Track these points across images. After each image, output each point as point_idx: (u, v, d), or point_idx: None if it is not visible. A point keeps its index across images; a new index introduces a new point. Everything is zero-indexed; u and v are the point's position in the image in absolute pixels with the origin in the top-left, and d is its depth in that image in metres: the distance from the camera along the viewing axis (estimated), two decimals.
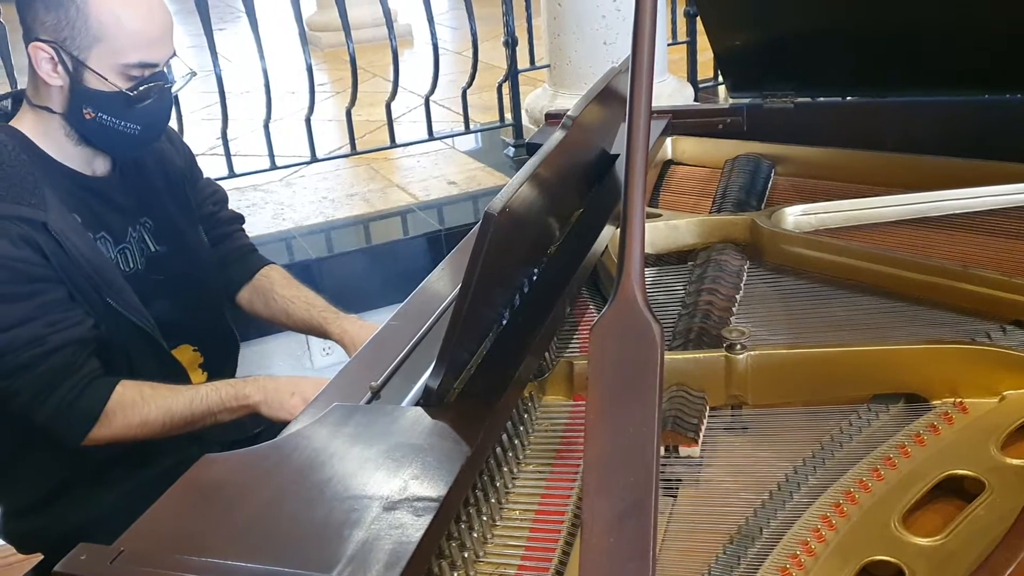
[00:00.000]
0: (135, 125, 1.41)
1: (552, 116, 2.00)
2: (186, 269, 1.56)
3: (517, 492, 0.94)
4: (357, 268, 2.54)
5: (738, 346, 1.05)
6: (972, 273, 1.20)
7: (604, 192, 1.51)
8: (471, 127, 3.17)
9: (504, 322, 1.12)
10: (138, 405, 1.36)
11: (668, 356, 1.07)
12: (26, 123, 1.43)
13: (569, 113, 1.15)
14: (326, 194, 2.93)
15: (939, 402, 1.02)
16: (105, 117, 1.39)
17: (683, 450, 0.99)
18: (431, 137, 3.06)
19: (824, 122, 1.80)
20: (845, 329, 1.21)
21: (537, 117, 3.07)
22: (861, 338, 1.18)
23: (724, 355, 1.05)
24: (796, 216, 1.47)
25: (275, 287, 1.70)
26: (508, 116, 3.13)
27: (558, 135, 1.10)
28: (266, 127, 2.80)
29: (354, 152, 2.95)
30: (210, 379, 1.60)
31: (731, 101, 1.88)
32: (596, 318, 0.69)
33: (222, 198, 1.75)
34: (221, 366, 1.64)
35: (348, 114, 2.89)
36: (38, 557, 1.59)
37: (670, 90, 3.02)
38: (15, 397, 1.33)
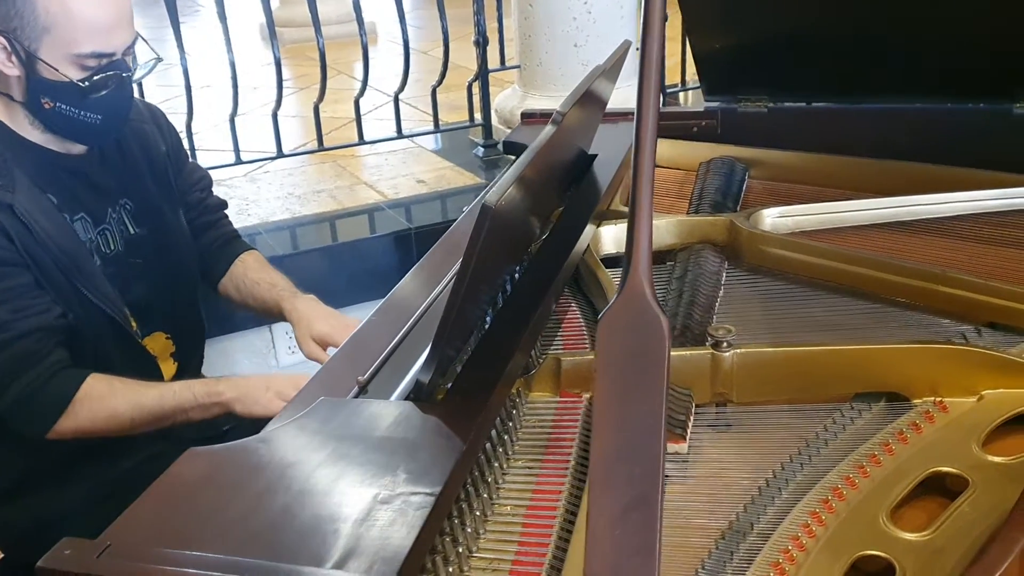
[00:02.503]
0: (95, 115, 1.38)
1: (528, 115, 2.00)
2: (164, 252, 1.53)
3: (508, 488, 0.93)
4: (325, 265, 2.51)
5: (724, 344, 1.06)
6: (949, 276, 1.23)
7: (584, 192, 1.52)
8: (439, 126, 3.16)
9: (488, 320, 1.12)
10: (106, 397, 1.32)
11: None
12: None
13: (559, 109, 1.15)
14: (292, 190, 2.90)
15: (920, 401, 1.04)
16: (64, 107, 1.36)
17: (670, 447, 0.99)
18: (400, 135, 3.04)
19: (797, 127, 1.83)
20: (824, 329, 1.23)
21: (507, 117, 3.07)
22: (839, 338, 1.19)
23: (711, 352, 1.06)
24: (773, 218, 1.48)
25: (247, 271, 1.68)
26: (478, 116, 3.12)
27: (548, 130, 1.09)
28: (232, 121, 2.76)
29: (322, 148, 2.92)
30: (180, 368, 1.58)
31: (705, 104, 1.90)
32: (602, 311, 0.68)
33: (208, 184, 1.72)
34: (191, 355, 1.61)
35: (316, 110, 2.85)
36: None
37: None
38: None
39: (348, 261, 2.56)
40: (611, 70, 1.50)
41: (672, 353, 1.07)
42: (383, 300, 1.25)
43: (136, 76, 1.42)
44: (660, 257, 1.46)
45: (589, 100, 1.39)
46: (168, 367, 1.55)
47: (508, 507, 0.91)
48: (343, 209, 2.75)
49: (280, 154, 2.85)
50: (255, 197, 2.84)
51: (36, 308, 1.30)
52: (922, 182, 1.54)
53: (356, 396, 0.98)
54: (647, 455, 0.66)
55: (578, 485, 0.93)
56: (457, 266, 1.28)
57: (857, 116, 1.81)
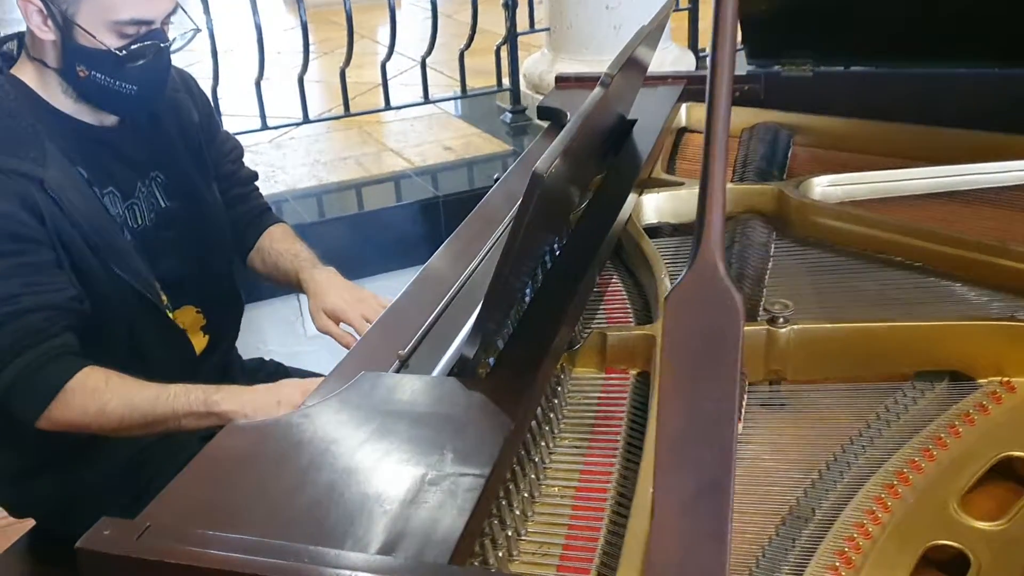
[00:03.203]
0: (131, 85, 1.32)
1: (562, 79, 1.94)
2: (196, 226, 1.48)
3: (555, 468, 0.89)
4: (353, 234, 2.47)
5: (781, 319, 1.01)
6: (1010, 248, 1.17)
7: (625, 159, 1.47)
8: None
9: (528, 293, 1.08)
10: (100, 391, 1.25)
11: None
12: (27, 73, 1.35)
13: (607, 71, 1.10)
14: (318, 157, 2.86)
15: (985, 380, 0.99)
16: (99, 76, 1.31)
17: None
18: (427, 100, 2.98)
19: (843, 92, 1.76)
20: (878, 304, 1.18)
21: (536, 82, 3.00)
22: (894, 314, 1.15)
23: (766, 328, 1.02)
24: (823, 187, 1.43)
25: (272, 243, 1.63)
26: (505, 80, 3.05)
27: (597, 93, 1.04)
28: (258, 86, 2.71)
29: (348, 114, 2.87)
30: (211, 342, 1.54)
31: (748, 68, 1.84)
32: (672, 285, 0.64)
33: (239, 155, 1.67)
34: (224, 330, 1.57)
35: (342, 75, 2.80)
36: (29, 522, 1.53)
37: (672, 58, 2.97)
38: None
39: (376, 229, 2.52)
40: (654, 32, 1.44)
41: None
42: (418, 272, 1.21)
43: (174, 47, 1.37)
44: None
45: (631, 63, 1.33)
46: (199, 340, 1.51)
47: (556, 488, 0.87)
48: (370, 176, 2.71)
49: (306, 120, 2.81)
50: (281, 163, 2.81)
51: (50, 286, 1.24)
52: (975, 150, 1.48)
53: (397, 371, 0.95)
54: (719, 438, 0.62)
55: (628, 467, 0.89)
56: (495, 237, 1.25)
57: (905, 81, 1.74)
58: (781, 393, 1.03)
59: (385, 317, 1.09)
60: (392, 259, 2.54)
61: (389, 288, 2.67)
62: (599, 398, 1.00)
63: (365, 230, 2.52)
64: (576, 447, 0.93)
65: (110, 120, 1.39)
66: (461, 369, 0.90)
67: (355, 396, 0.87)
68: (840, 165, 1.59)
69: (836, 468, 0.90)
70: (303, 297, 2.49)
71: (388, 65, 2.91)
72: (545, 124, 1.81)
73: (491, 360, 0.94)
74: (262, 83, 2.74)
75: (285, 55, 4.03)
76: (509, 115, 3.04)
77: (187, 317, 1.49)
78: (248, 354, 1.74)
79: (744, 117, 1.73)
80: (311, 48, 2.85)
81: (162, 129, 1.46)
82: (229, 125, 2.73)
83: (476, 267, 1.17)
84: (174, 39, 1.36)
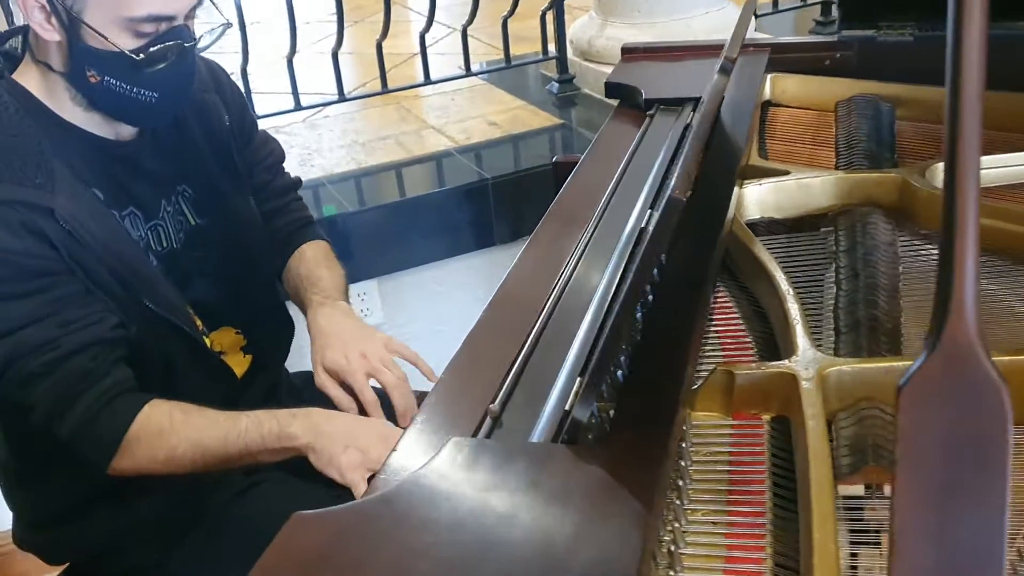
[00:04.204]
0: (150, 92, 1.14)
1: (629, 51, 1.76)
2: (231, 244, 1.31)
3: (692, 555, 0.73)
4: (396, 220, 2.31)
5: None
6: None
7: (720, 145, 1.28)
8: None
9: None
10: (166, 434, 1.13)
11: (854, 365, 0.86)
12: (31, 78, 1.17)
13: (726, 54, 0.91)
14: (355, 137, 2.68)
15: None
16: (113, 82, 1.13)
17: (888, 489, 0.78)
18: (469, 72, 2.79)
19: None
20: None
21: (584, 48, 2.80)
22: None
23: None
24: None
25: (299, 266, 1.43)
26: (551, 47, 2.85)
27: (719, 83, 0.86)
28: (290, 63, 2.53)
29: (386, 89, 2.68)
30: (255, 362, 1.38)
31: (840, 34, 1.66)
32: (905, 372, 0.47)
33: (277, 160, 1.48)
34: (269, 350, 1.41)
35: (379, 48, 2.61)
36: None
37: (729, 20, 2.74)
38: (32, 410, 1.11)
39: (420, 216, 2.36)
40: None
41: (878, 364, 0.87)
42: (494, 294, 1.04)
43: (201, 45, 1.18)
44: (813, 222, 1.23)
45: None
46: (239, 361, 1.35)
47: None
48: (412, 157, 2.53)
49: (342, 97, 2.63)
50: (317, 146, 2.63)
51: (88, 319, 1.10)
52: None
53: (489, 433, 0.79)
54: None
55: (781, 548, 0.73)
56: (581, 244, 1.08)
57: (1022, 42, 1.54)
58: None
59: (463, 355, 0.92)
60: (439, 247, 2.38)
61: (437, 278, 2.53)
62: (731, 453, 0.83)
63: (409, 217, 2.36)
64: (713, 523, 0.76)
65: (127, 132, 1.21)
66: (572, 436, 0.74)
67: (444, 474, 0.71)
68: None
69: None
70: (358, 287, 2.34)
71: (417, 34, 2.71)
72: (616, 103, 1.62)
73: (595, 408, 0.78)
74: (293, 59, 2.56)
75: (313, 25, 3.83)
76: (556, 85, 2.84)
77: (225, 338, 1.33)
78: (293, 355, 1.57)
79: (836, 88, 1.56)
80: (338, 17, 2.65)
81: (188, 137, 1.27)
82: (259, 104, 2.57)
83: (566, 283, 1.00)
84: (201, 36, 1.18)
